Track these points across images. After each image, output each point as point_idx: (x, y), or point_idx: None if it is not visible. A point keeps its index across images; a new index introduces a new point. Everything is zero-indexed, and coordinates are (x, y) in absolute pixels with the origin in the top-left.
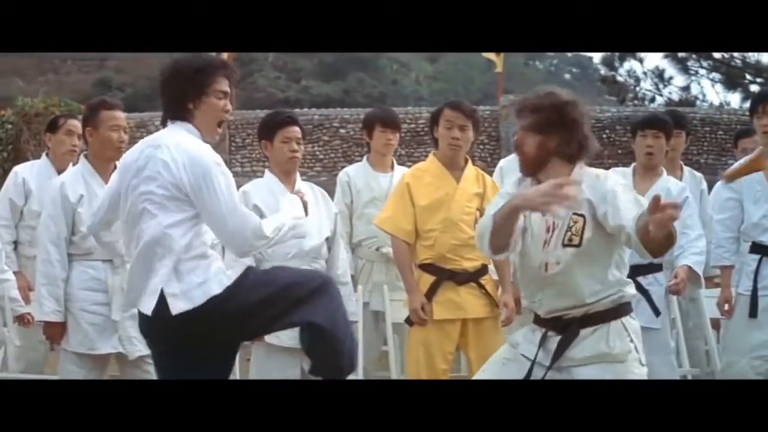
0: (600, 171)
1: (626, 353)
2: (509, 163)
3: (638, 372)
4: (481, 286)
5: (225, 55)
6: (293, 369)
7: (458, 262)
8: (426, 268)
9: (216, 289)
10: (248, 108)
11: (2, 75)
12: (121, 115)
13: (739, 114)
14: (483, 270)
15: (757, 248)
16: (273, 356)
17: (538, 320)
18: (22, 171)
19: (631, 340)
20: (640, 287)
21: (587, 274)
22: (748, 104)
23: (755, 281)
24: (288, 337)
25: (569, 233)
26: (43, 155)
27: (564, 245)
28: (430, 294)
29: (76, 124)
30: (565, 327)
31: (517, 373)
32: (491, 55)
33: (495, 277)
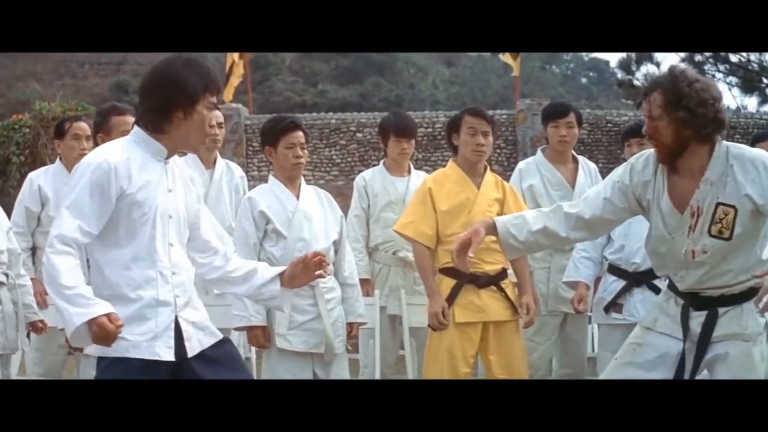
0: (753, 155)
1: (757, 334)
2: (528, 165)
3: (761, 349)
4: (501, 290)
5: (237, 56)
6: (305, 372)
7: (479, 266)
8: (447, 271)
9: None
10: (265, 112)
11: (20, 79)
12: (131, 120)
13: (756, 118)
14: (503, 273)
15: None
16: (284, 360)
17: (674, 289)
18: (37, 178)
19: (763, 316)
20: (658, 289)
21: (738, 263)
22: (765, 108)
23: None
24: (299, 341)
25: (719, 225)
26: (57, 160)
27: (712, 236)
28: (452, 297)
29: (82, 126)
30: (701, 304)
31: (650, 354)
32: (508, 59)
33: (514, 279)
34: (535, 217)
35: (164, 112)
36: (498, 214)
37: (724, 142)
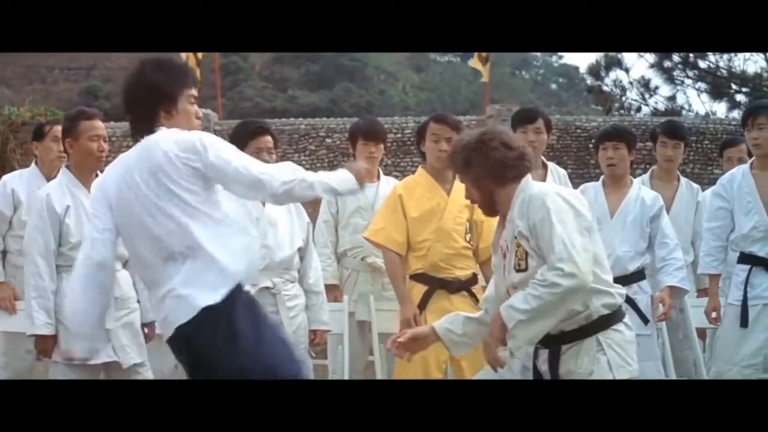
0: (533, 191)
1: (589, 372)
2: None
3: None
4: (473, 295)
5: (194, 62)
6: None
7: (450, 271)
8: (418, 277)
9: None
10: (235, 117)
11: None
12: (100, 125)
13: (724, 124)
14: (474, 279)
15: (746, 258)
16: None
17: None
18: (10, 181)
19: (604, 353)
20: (626, 297)
21: None
22: (733, 114)
23: (745, 291)
24: None
25: (517, 258)
26: (32, 164)
27: (517, 271)
28: (423, 303)
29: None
30: (544, 341)
31: (508, 375)
32: (478, 65)
33: (485, 284)
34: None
35: (149, 118)
36: (468, 220)
37: (528, 179)
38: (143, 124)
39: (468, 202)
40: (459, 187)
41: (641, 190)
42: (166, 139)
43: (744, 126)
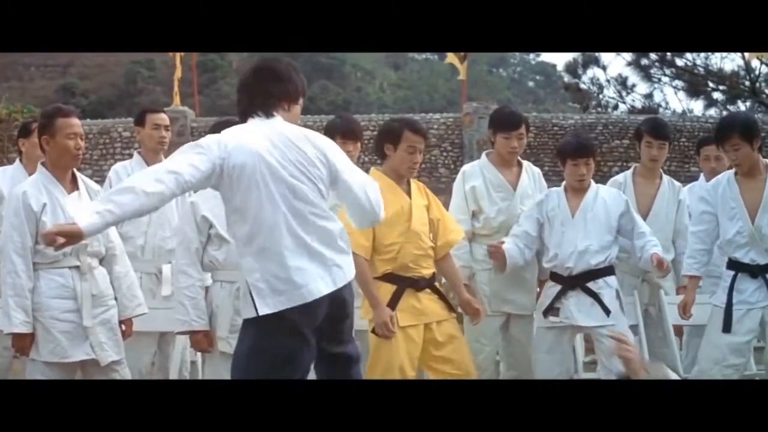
0: None
1: None
2: (472, 168)
3: None
4: (436, 291)
5: (178, 60)
6: None
7: (418, 271)
8: (386, 278)
9: None
10: (212, 115)
11: None
12: (77, 122)
13: (701, 121)
14: (434, 277)
15: (732, 264)
16: (227, 363)
17: None
18: None
19: None
20: (590, 291)
21: None
22: (710, 111)
23: (730, 296)
24: None
25: None
26: (17, 161)
27: None
28: (393, 303)
29: None
30: None
31: None
32: (455, 63)
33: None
34: None
35: (285, 100)
36: (428, 219)
37: None
38: (276, 107)
39: (426, 202)
40: (414, 188)
41: (599, 190)
42: None
43: (719, 148)
